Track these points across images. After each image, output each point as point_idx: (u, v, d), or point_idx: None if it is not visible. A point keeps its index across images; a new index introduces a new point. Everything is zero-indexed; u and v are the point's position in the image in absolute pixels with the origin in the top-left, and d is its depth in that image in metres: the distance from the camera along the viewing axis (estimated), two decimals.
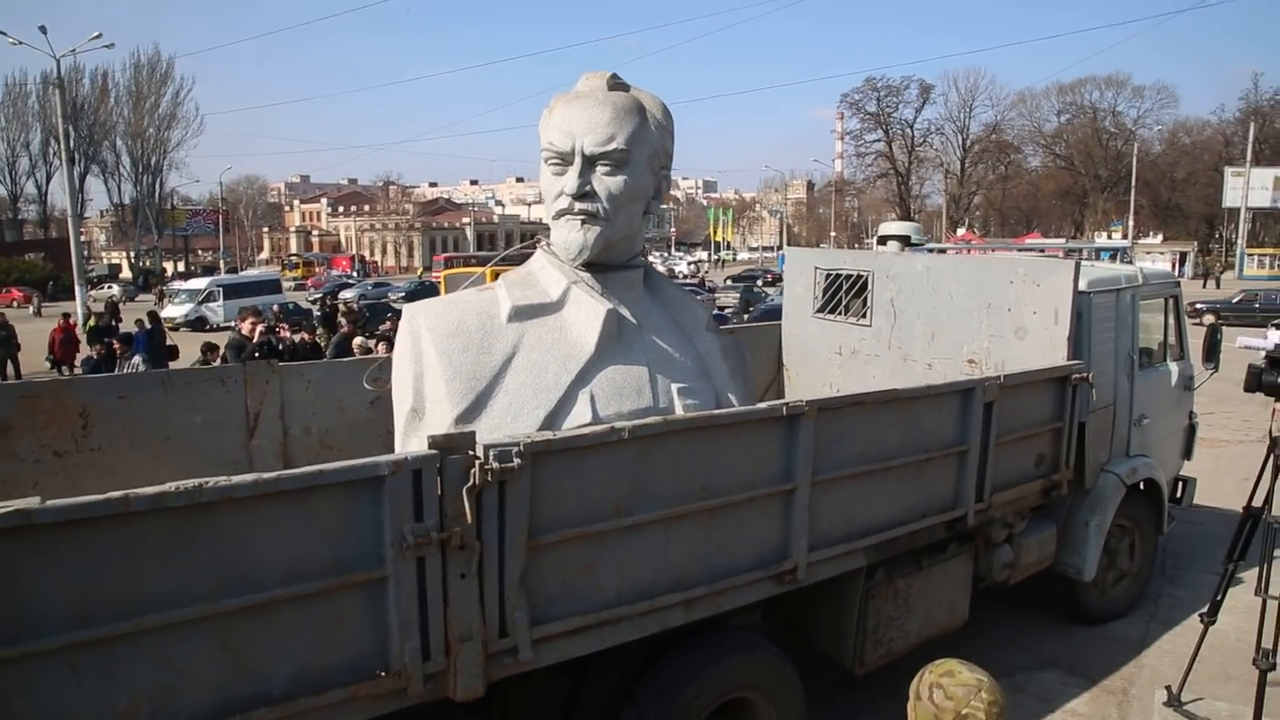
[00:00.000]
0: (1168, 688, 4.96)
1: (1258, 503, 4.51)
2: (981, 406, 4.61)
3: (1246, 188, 45.74)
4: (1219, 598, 4.76)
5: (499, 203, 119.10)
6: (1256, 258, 51.37)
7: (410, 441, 4.00)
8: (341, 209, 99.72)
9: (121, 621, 2.35)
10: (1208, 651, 5.05)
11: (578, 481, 3.15)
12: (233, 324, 11.44)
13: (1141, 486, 6.26)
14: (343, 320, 16.72)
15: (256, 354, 9.03)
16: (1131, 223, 55.96)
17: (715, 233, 77.96)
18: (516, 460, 2.90)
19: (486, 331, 4.04)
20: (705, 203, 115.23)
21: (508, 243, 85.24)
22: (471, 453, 2.85)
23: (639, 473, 3.32)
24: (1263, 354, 4.43)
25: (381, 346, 10.00)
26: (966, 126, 70.99)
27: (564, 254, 4.09)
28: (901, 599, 4.65)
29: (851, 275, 6.62)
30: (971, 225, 68.79)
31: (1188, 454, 7.08)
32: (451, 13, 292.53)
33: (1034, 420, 5.10)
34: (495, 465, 2.85)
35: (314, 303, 26.40)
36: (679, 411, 3.95)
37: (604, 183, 4.01)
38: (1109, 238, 52.53)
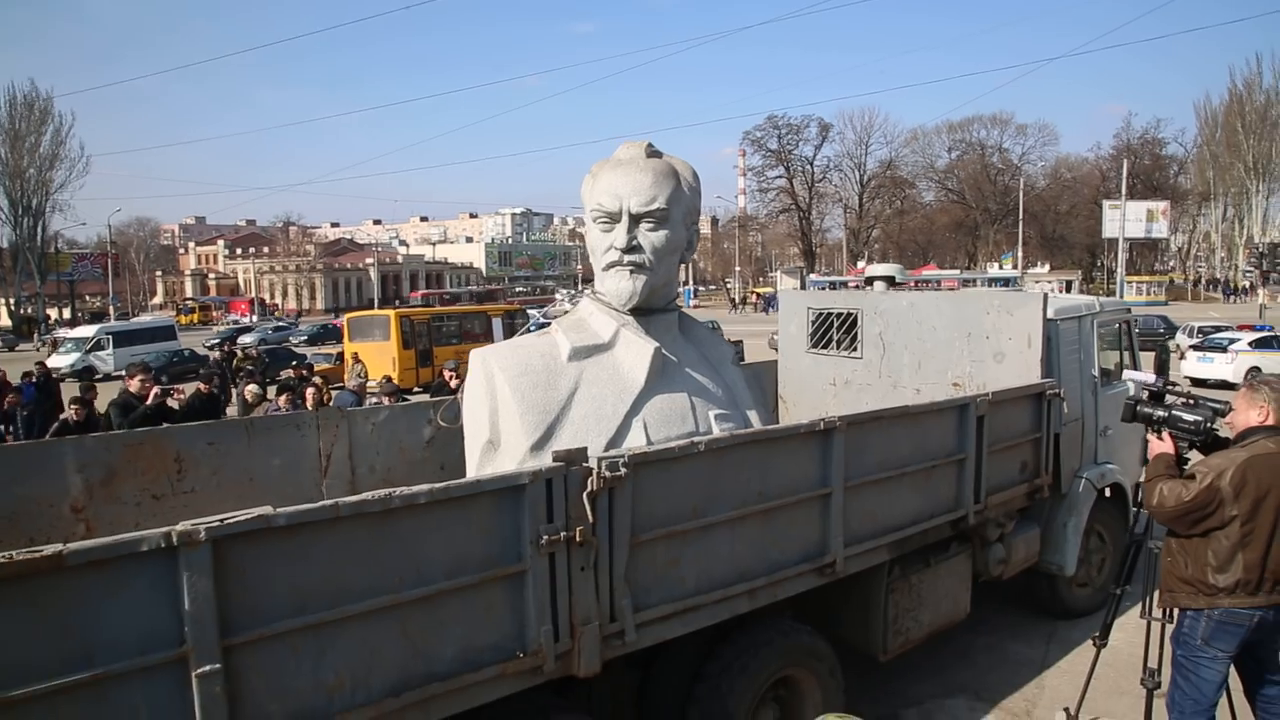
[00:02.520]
0: (1065, 709, 5.03)
1: (1140, 530, 4.69)
2: (975, 420, 5.30)
3: (1123, 219, 48.73)
4: (1109, 619, 4.90)
5: (403, 243, 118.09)
6: (1134, 284, 54.89)
7: (485, 470, 4.55)
8: (239, 251, 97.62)
9: (329, 610, 2.86)
10: (1103, 669, 5.14)
11: (666, 488, 3.73)
12: (124, 374, 10.82)
13: (1108, 492, 6.99)
14: (249, 367, 16.73)
15: (148, 415, 8.23)
16: (1020, 253, 59.15)
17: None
18: (623, 469, 3.47)
19: (551, 370, 4.63)
20: None
21: (413, 284, 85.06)
22: (587, 464, 3.42)
23: (711, 480, 3.91)
24: (1145, 390, 4.62)
25: (283, 398, 9.51)
26: (863, 163, 73.93)
27: (616, 300, 4.70)
28: (915, 593, 5.27)
29: (841, 313, 7.33)
30: (871, 258, 71.23)
31: (1145, 460, 7.83)
32: (351, 52, 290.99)
33: (1017, 431, 5.81)
34: (607, 474, 3.42)
35: (211, 349, 25.88)
36: (717, 434, 4.56)
37: (648, 238, 4.65)
38: (1000, 268, 55.30)
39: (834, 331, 7.41)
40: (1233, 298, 57.71)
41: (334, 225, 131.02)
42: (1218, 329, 26.37)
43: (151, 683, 2.53)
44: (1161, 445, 4.27)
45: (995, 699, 5.72)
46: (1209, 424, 4.25)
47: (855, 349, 7.20)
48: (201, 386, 10.69)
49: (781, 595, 4.32)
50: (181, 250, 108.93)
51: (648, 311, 4.80)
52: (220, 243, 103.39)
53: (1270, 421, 3.97)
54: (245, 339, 39.01)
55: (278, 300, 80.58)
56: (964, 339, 6.43)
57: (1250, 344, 22.08)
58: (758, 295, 66.95)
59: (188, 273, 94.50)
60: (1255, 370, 20.16)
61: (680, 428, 4.67)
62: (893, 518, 4.89)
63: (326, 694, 2.86)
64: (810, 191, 73.83)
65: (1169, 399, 4.54)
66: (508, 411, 4.55)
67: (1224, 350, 21.65)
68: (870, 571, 4.89)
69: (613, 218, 4.66)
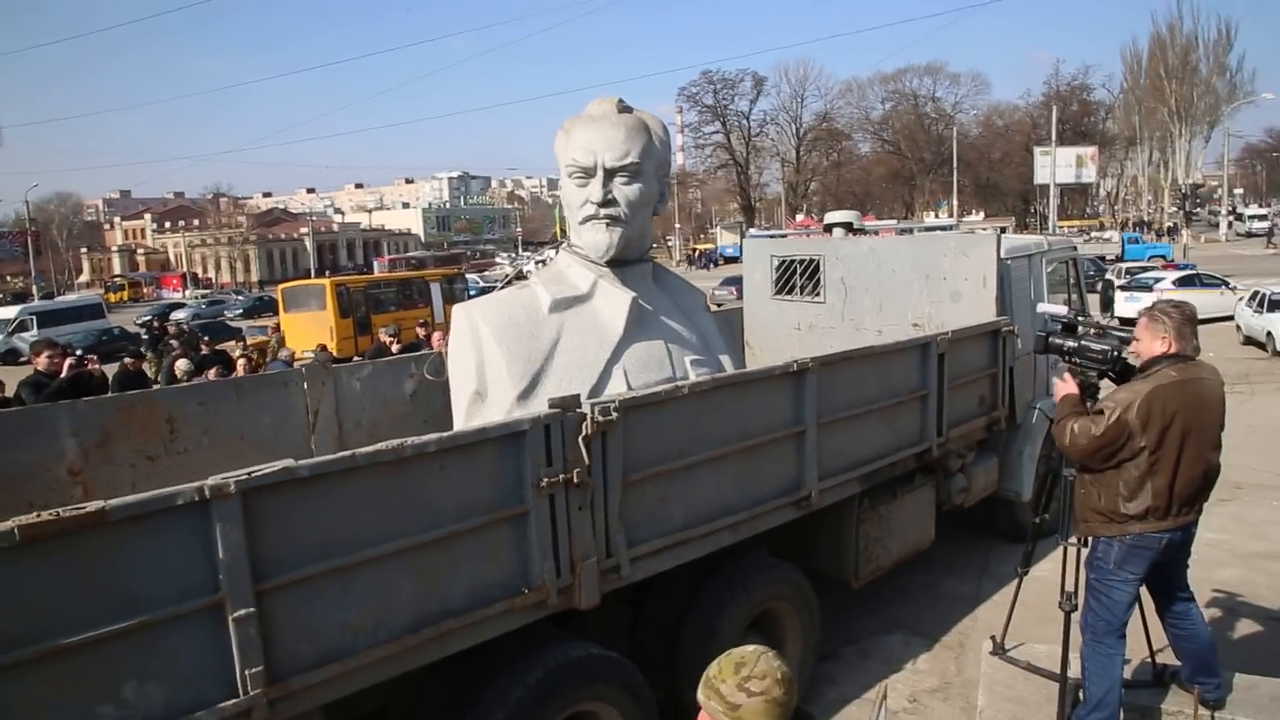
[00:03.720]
0: (992, 637, 5.14)
1: (1055, 459, 4.77)
2: (936, 358, 5.59)
3: (1054, 165, 49.59)
4: (1030, 548, 5.06)
5: (338, 211, 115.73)
6: (1066, 229, 55.92)
7: (474, 420, 4.73)
8: (168, 225, 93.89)
9: (350, 554, 3.04)
10: (1033, 598, 5.30)
11: (654, 430, 3.94)
12: (30, 353, 10.37)
13: None
14: (174, 343, 16.55)
15: (63, 389, 7.85)
16: (955, 201, 60.32)
17: (561, 231, 77.66)
18: (614, 414, 3.68)
19: (534, 322, 4.81)
20: (551, 201, 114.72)
21: (349, 252, 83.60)
22: (581, 410, 3.62)
23: (695, 422, 4.14)
24: (1058, 321, 4.67)
25: (213, 371, 9.41)
26: (799, 116, 74.61)
27: (593, 252, 4.87)
28: (884, 522, 5.58)
29: (804, 259, 7.56)
30: (810, 211, 72.05)
31: (1049, 393, 8.24)
32: (278, 15, 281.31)
33: (975, 367, 6.13)
34: (600, 418, 3.63)
35: (142, 325, 25.25)
36: (693, 379, 4.78)
37: (622, 191, 4.81)
38: (936, 216, 56.34)
39: (797, 278, 7.65)
40: (1163, 239, 59.26)
41: (266, 195, 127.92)
42: (1144, 269, 27.35)
43: (192, 627, 2.69)
44: (1066, 386, 4.29)
45: (931, 633, 5.93)
46: (1116, 353, 4.30)
47: (818, 294, 7.46)
48: (128, 362, 10.56)
49: (762, 528, 4.59)
50: (107, 226, 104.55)
51: (623, 263, 4.97)
52: (147, 217, 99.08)
53: (1172, 350, 4.01)
54: (178, 314, 37.40)
55: (211, 274, 78.32)
56: (922, 281, 6.71)
57: (1174, 282, 23.18)
58: (698, 251, 67.04)
59: (114, 249, 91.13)
60: None
61: (658, 373, 4.88)
62: (862, 452, 5.17)
63: (351, 633, 3.06)
64: (747, 146, 74.26)
65: (1080, 330, 4.58)
66: (494, 362, 4.72)
67: (1150, 289, 22.34)
68: (842, 504, 5.18)
69: (588, 173, 4.80)
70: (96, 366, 9.92)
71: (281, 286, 24.56)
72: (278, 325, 22.63)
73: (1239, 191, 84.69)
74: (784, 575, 4.91)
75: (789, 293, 7.73)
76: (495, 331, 4.73)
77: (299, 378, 5.52)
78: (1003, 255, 6.51)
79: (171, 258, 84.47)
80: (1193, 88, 63.46)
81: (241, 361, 10.64)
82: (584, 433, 3.59)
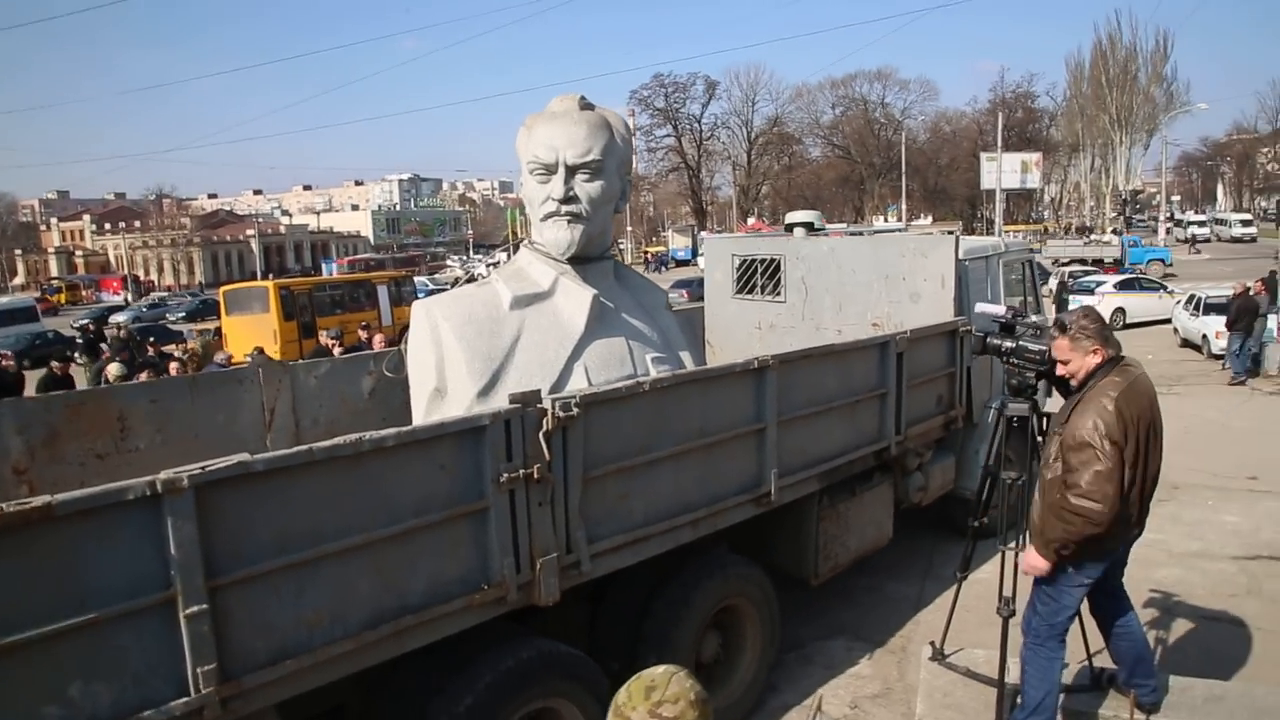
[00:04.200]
0: (931, 643, 5.04)
1: (993, 462, 4.72)
2: (895, 356, 5.65)
3: (1000, 171, 50.37)
4: (968, 553, 4.88)
5: (285, 212, 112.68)
6: (1011, 233, 56.93)
7: (434, 417, 4.68)
8: (109, 226, 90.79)
9: (307, 550, 3.00)
10: (975, 602, 5.24)
11: (615, 426, 3.94)
12: None
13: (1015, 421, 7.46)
14: (104, 346, 16.15)
15: None
16: (905, 206, 61.08)
17: (513, 233, 77.54)
18: (575, 409, 3.67)
19: (494, 319, 4.77)
20: (502, 203, 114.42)
21: (297, 255, 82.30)
22: (542, 405, 3.61)
23: (656, 419, 4.14)
24: (996, 322, 4.61)
25: (144, 375, 9.31)
26: (750, 120, 74.75)
27: (554, 249, 4.85)
28: (843, 520, 5.63)
29: (765, 259, 7.61)
30: (761, 214, 72.78)
31: (1049, 392, 8.39)
32: (223, 11, 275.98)
33: (933, 366, 6.20)
34: (561, 414, 3.61)
35: (78, 329, 24.72)
36: (655, 376, 4.78)
37: (584, 188, 4.80)
38: (885, 220, 57.18)
39: (758, 277, 7.69)
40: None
41: (212, 196, 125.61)
42: (1087, 272, 27.96)
43: (142, 624, 2.64)
44: (1034, 560, 3.95)
45: (873, 637, 5.89)
46: (1050, 353, 4.17)
47: (779, 294, 7.51)
48: (55, 366, 10.38)
49: (722, 525, 4.60)
50: (43, 227, 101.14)
51: (584, 260, 4.96)
52: (86, 218, 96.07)
53: (1106, 356, 3.90)
54: (117, 317, 36.50)
55: (153, 277, 75.84)
56: (882, 281, 6.78)
57: (1115, 285, 23.71)
58: (650, 255, 67.22)
59: (51, 250, 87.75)
60: (1119, 312, 21.59)
61: (619, 371, 4.88)
62: (822, 450, 5.21)
63: (307, 629, 3.01)
64: (699, 150, 74.51)
65: (1019, 330, 4.52)
66: (454, 359, 4.68)
67: (1092, 292, 22.85)
68: (802, 501, 5.21)
69: (549, 169, 4.79)
70: (9, 363, 9.59)
71: (223, 289, 23.96)
72: (218, 329, 22.19)
73: (1176, 198, 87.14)
74: (744, 572, 4.93)
75: (750, 292, 7.77)
76: (455, 328, 4.69)
77: (254, 375, 5.43)
78: (960, 256, 6.60)
79: (112, 260, 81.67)
80: (1133, 96, 65.08)
81: (175, 366, 10.37)
82: (545, 428, 3.58)
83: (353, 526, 3.11)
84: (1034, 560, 3.95)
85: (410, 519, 3.25)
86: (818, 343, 6.85)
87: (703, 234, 56.36)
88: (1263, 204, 72.09)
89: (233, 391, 5.34)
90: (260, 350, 12.78)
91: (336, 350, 10.39)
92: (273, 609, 2.94)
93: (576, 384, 4.67)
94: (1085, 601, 4.16)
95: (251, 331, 19.70)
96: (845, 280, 7.01)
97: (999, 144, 51.77)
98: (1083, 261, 35.38)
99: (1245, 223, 55.20)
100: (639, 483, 4.11)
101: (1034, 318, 7.84)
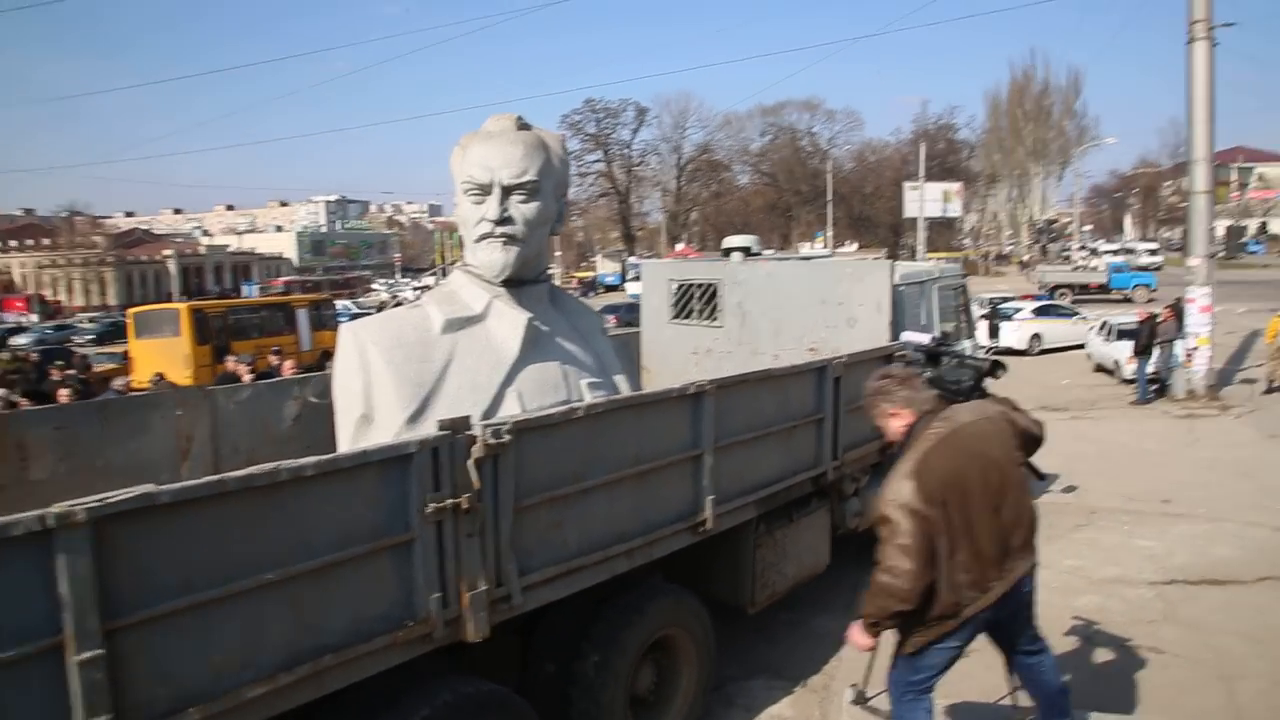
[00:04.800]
0: (854, 685, 4.62)
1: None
2: (832, 381, 5.63)
3: (922, 200, 52.27)
4: None
5: (206, 232, 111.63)
6: (933, 261, 58.16)
7: (360, 444, 4.50)
8: (14, 243, 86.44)
9: (218, 587, 2.81)
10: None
11: (548, 453, 3.81)
12: None
13: None
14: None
15: None
16: (830, 233, 62.50)
17: (441, 257, 77.26)
18: (506, 436, 3.53)
19: (425, 343, 4.63)
20: (431, 226, 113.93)
21: (217, 276, 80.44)
22: (471, 432, 3.47)
23: (590, 445, 4.02)
24: (920, 350, 4.56)
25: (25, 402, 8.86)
26: (680, 147, 76.33)
27: (488, 271, 4.73)
28: (780, 547, 5.56)
29: (702, 284, 7.57)
30: (690, 240, 73.74)
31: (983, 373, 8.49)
32: (142, 20, 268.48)
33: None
34: (491, 440, 3.48)
35: None
36: (590, 401, 4.68)
37: (520, 210, 4.70)
38: (812, 247, 58.52)
39: (695, 302, 7.65)
40: (1025, 271, 62.38)
41: (129, 215, 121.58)
42: (1005, 299, 28.87)
43: (25, 674, 2.42)
44: (861, 638, 3.75)
45: (795, 676, 5.70)
46: (970, 383, 4.15)
47: (716, 318, 7.47)
48: None
49: (658, 554, 4.49)
50: None
51: (519, 283, 4.85)
52: None
53: (910, 417, 3.67)
54: (18, 339, 34.86)
55: (61, 297, 72.52)
56: (818, 305, 6.79)
57: (1033, 312, 24.54)
58: (578, 280, 67.35)
59: None
60: (1036, 338, 22.24)
61: (554, 397, 4.76)
62: (759, 476, 5.15)
63: (215, 673, 2.81)
64: (629, 175, 75.58)
65: (943, 360, 4.47)
66: (382, 385, 4.52)
67: (1010, 319, 23.53)
68: (738, 528, 5.14)
69: (484, 190, 4.68)
70: None
71: (132, 311, 23.04)
72: (127, 353, 21.37)
73: (1088, 228, 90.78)
74: (679, 602, 4.82)
75: (687, 317, 7.72)
76: (383, 352, 4.53)
77: (171, 401, 5.18)
78: (896, 281, 6.65)
79: (18, 278, 77.48)
80: (1046, 130, 67.83)
81: (64, 394, 9.87)
82: (474, 456, 3.44)
83: (267, 561, 2.92)
84: (855, 636, 3.74)
85: (330, 553, 3.07)
86: (755, 367, 6.85)
87: (632, 259, 56.63)
88: (1167, 234, 75.46)
89: (147, 418, 5.07)
90: (161, 376, 12.25)
91: (246, 377, 10.03)
92: (177, 652, 2.74)
93: (509, 410, 4.55)
94: (996, 647, 3.95)
95: (162, 356, 18.91)
96: (782, 305, 7.01)
97: (921, 174, 53.39)
98: (1071, 286, 36.78)
99: (1152, 252, 58.00)
100: (573, 511, 3.98)
101: (964, 343, 7.96)
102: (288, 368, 9.33)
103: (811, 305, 6.83)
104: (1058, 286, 36.27)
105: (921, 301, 7.14)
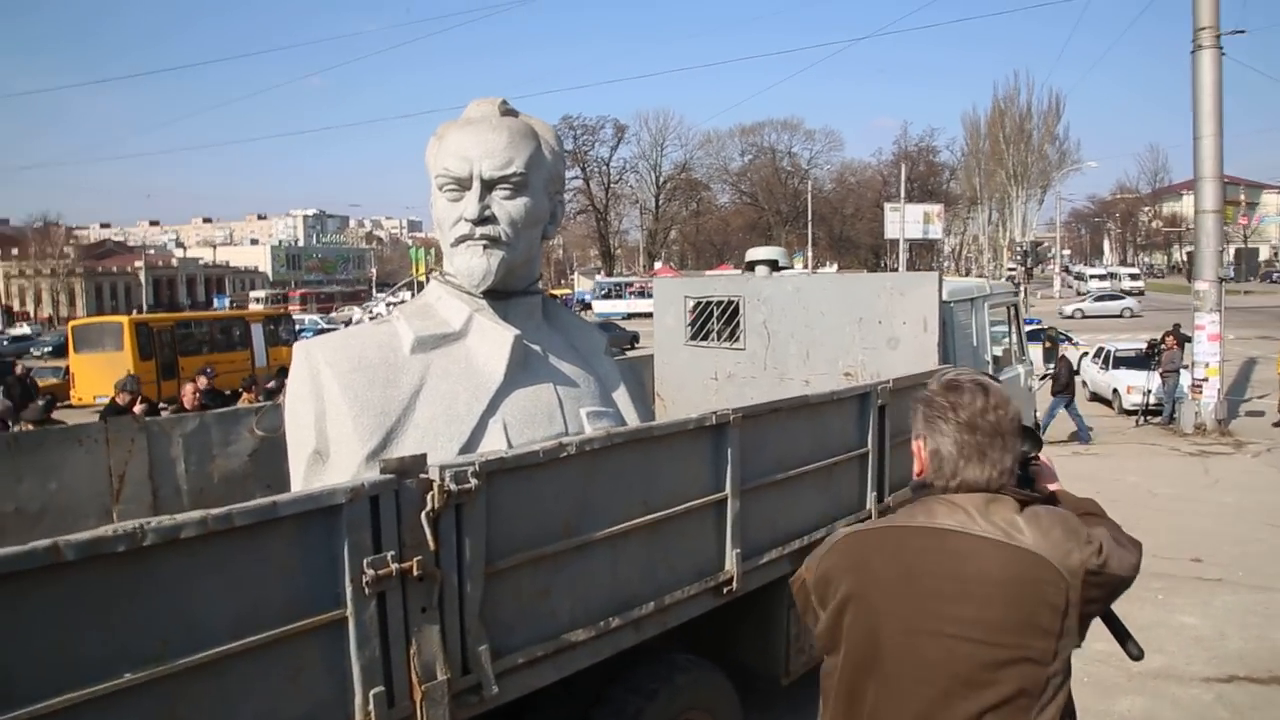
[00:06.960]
0: None
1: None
2: (876, 409, 4.80)
3: (903, 221, 52.19)
4: None
5: (181, 244, 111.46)
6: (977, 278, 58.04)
7: (313, 486, 3.72)
8: None
9: (52, 697, 2.01)
10: None
11: (529, 501, 3.01)
12: None
13: None
14: None
15: None
16: (810, 253, 62.26)
17: (419, 272, 76.99)
18: (473, 480, 2.74)
19: (390, 364, 3.85)
20: (410, 242, 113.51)
21: (189, 289, 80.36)
22: (425, 475, 2.67)
23: (585, 489, 3.22)
24: None
25: None
26: (659, 165, 76.11)
27: (467, 281, 3.96)
28: None
29: (722, 301, 6.79)
30: (669, 259, 73.65)
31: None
32: (110, 22, 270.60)
33: None
34: (452, 487, 2.68)
35: None
36: (590, 434, 3.89)
37: (504, 207, 3.92)
38: (792, 267, 58.28)
39: (714, 322, 6.86)
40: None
41: (104, 226, 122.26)
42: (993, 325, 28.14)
43: None
44: None
45: None
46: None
47: (737, 339, 6.68)
48: None
49: (673, 623, 3.67)
50: None
51: (506, 294, 4.07)
52: None
53: (926, 475, 2.04)
54: None
55: (29, 308, 73.23)
56: (855, 324, 5.97)
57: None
58: (558, 298, 67.41)
59: None
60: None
61: (547, 428, 3.96)
62: (794, 523, 4.32)
63: None
64: (607, 193, 75.66)
65: None
66: (337, 414, 3.73)
67: (1071, 341, 23.27)
68: (770, 586, 4.30)
69: (462, 184, 3.91)
70: None
71: (72, 323, 22.51)
72: (68, 368, 20.67)
73: (1067, 252, 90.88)
74: (701, 679, 3.97)
75: (705, 338, 6.93)
76: (340, 376, 3.74)
77: (99, 432, 4.42)
78: (945, 298, 5.83)
79: None
80: (1028, 153, 67.55)
81: None
82: (429, 506, 2.64)
83: (134, 655, 2.13)
84: None
85: (226, 640, 2.27)
86: (783, 394, 6.04)
87: (599, 277, 56.16)
88: (1146, 259, 74.74)
89: (71, 453, 4.31)
90: (134, 377, 11.10)
91: (187, 397, 9.20)
92: None
93: (493, 443, 3.75)
94: None
95: (103, 372, 17.93)
96: (813, 324, 6.20)
97: (902, 195, 53.49)
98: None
99: (1134, 277, 57.51)
100: (564, 574, 3.17)
101: (1016, 367, 7.14)
102: (245, 400, 8.51)
103: (847, 324, 6.02)
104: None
105: (972, 320, 6.32)
